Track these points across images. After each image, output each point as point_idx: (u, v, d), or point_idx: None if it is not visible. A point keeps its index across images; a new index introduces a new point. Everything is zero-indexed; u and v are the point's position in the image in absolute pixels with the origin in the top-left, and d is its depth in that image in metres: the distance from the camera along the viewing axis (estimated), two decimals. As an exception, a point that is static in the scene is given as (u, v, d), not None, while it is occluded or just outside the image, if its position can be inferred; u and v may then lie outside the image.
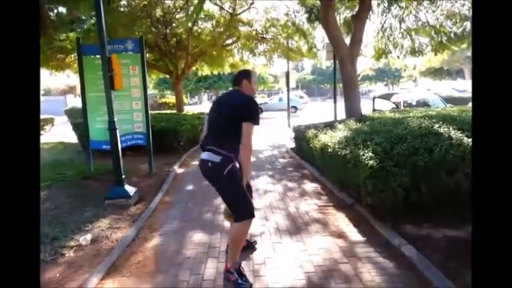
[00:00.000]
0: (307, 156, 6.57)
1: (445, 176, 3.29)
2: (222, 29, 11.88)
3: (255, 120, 2.47)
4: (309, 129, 6.56)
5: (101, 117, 5.79)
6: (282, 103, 24.64)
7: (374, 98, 12.46)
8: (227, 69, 16.23)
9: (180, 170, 6.72)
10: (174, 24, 11.74)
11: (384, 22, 9.03)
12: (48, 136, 14.03)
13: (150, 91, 28.62)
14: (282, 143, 9.89)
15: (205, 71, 16.05)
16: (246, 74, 2.72)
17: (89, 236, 3.38)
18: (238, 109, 2.49)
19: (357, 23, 7.45)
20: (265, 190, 5.10)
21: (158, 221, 3.99)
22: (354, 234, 3.38)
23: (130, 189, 4.65)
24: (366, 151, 3.68)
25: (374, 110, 11.89)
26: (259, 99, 33.52)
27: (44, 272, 2.75)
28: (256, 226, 3.68)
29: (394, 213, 3.47)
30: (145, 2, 9.52)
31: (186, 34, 11.42)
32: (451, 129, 3.75)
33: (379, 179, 3.39)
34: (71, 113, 18.92)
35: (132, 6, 9.64)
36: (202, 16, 12.49)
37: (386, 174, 3.36)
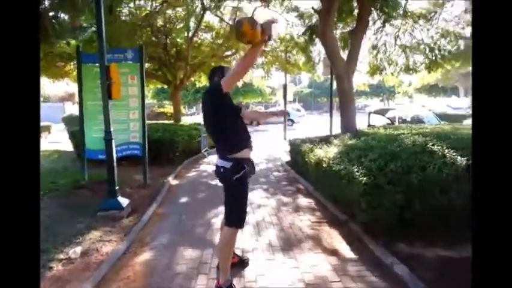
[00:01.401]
0: (302, 171, 6.56)
1: (439, 195, 3.30)
2: (221, 41, 12.01)
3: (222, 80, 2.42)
4: (305, 143, 6.58)
5: (97, 126, 5.78)
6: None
7: (369, 114, 12.54)
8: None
9: (174, 182, 6.69)
10: (174, 34, 11.86)
11: (379, 39, 9.16)
12: (45, 144, 13.94)
13: (148, 101, 28.70)
14: (277, 156, 9.88)
15: (203, 81, 16.15)
16: (219, 70, 2.73)
17: (78, 249, 3.33)
18: (212, 97, 2.51)
19: (354, 39, 7.55)
20: (259, 204, 5.07)
21: (150, 234, 3.95)
22: (347, 252, 3.36)
23: (123, 201, 4.61)
24: (360, 167, 3.68)
25: (369, 125, 11.98)
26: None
27: None
28: (248, 241, 3.66)
29: (387, 231, 3.46)
30: (147, 12, 9.62)
31: (186, 44, 11.52)
32: (444, 147, 3.76)
33: (372, 196, 3.39)
34: (68, 121, 18.88)
35: (133, 16, 9.72)
36: (203, 27, 12.65)
37: (380, 191, 3.36)
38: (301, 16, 9.93)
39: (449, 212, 3.31)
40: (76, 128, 7.84)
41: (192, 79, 15.04)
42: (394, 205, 3.30)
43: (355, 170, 3.70)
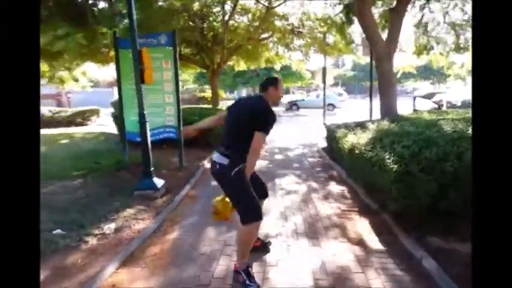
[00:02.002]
0: (337, 157, 6.40)
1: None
2: (257, 23, 11.86)
3: (268, 131, 2.48)
4: (340, 129, 6.39)
5: (135, 109, 5.98)
6: (319, 100, 24.16)
7: (415, 98, 11.93)
8: (263, 64, 16.22)
9: (209, 165, 6.82)
10: (210, 18, 11.90)
11: (424, 16, 8.51)
12: (94, 126, 14.86)
13: (190, 85, 29.34)
14: (314, 141, 9.71)
15: (242, 65, 16.13)
16: (273, 81, 2.71)
17: (112, 225, 3.54)
18: (255, 117, 2.47)
19: (394, 17, 7.10)
20: (289, 190, 5.04)
21: (181, 214, 4.09)
22: (375, 243, 3.25)
23: (158, 182, 4.80)
24: (392, 154, 3.51)
25: (414, 110, 11.37)
26: (297, 95, 33.32)
27: (67, 257, 2.93)
28: (274, 226, 3.66)
29: (419, 222, 3.30)
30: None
31: (222, 28, 11.53)
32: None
33: (404, 184, 3.22)
34: (116, 105, 19.87)
35: (169, 1, 9.86)
36: (239, 10, 12.55)
37: (411, 179, 3.19)
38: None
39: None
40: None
41: (230, 63, 15.06)
42: (427, 194, 3.13)
43: (387, 156, 3.53)
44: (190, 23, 11.32)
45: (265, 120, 2.47)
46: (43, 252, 2.92)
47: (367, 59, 14.26)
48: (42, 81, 17.87)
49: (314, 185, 5.32)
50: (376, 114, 8.33)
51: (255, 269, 2.77)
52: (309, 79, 26.47)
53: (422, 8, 8.17)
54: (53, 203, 4.15)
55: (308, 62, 17.49)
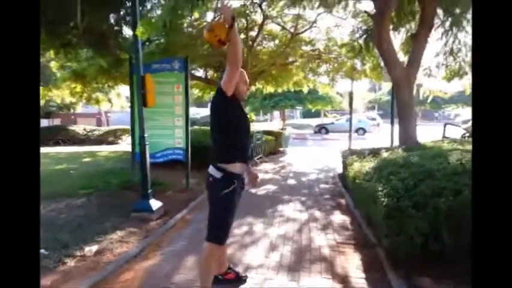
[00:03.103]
0: (347, 185, 6.12)
1: (475, 226, 2.73)
2: (281, 49, 11.96)
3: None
4: (351, 155, 6.13)
5: (149, 131, 6.13)
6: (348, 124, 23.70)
7: (445, 125, 11.31)
8: (291, 87, 16.23)
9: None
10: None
11: (447, 42, 8.13)
12: (123, 145, 15.41)
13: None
14: (333, 167, 9.41)
15: (269, 89, 16.24)
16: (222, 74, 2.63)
17: (94, 248, 3.53)
18: (214, 100, 2.46)
19: (415, 43, 6.83)
20: (287, 218, 4.84)
21: (168, 239, 4.02)
22: (359, 281, 2.98)
23: (154, 204, 4.79)
24: (386, 187, 3.26)
25: (444, 137, 10.75)
26: (329, 119, 32.86)
27: (41, 278, 2.92)
28: (258, 257, 3.49)
29: (411, 261, 2.99)
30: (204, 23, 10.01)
31: (246, 53, 11.73)
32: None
33: (395, 220, 2.97)
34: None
35: (194, 27, 10.21)
36: (265, 35, 12.77)
37: (403, 215, 2.92)
38: (364, 21, 9.35)
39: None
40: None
41: (253, 87, 15.20)
42: (418, 232, 2.84)
43: (380, 189, 3.29)
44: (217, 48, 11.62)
45: (218, 92, 2.41)
46: (18, 271, 2.95)
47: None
48: (82, 102, 19.09)
49: (317, 213, 5.07)
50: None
51: (222, 303, 2.62)
52: (340, 102, 26.06)
53: (446, 33, 7.82)
54: (50, 221, 4.24)
55: (336, 86, 17.31)
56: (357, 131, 24.44)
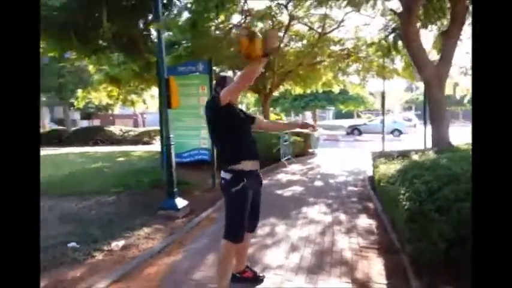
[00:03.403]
0: (376, 188, 5.97)
1: (503, 233, 2.59)
2: (309, 49, 11.87)
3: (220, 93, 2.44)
4: (380, 157, 5.98)
5: (176, 131, 6.35)
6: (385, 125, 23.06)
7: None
8: (320, 88, 16.06)
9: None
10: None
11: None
12: (156, 146, 15.90)
13: (252, 108, 30.13)
14: (364, 169, 9.19)
15: (298, 90, 16.16)
16: (220, 81, 2.69)
17: (121, 243, 3.70)
18: (211, 109, 2.54)
19: (446, 40, 6.55)
20: (311, 220, 4.80)
21: (192, 237, 4.12)
22: (380, 287, 2.91)
23: (180, 202, 4.93)
24: (408, 190, 3.16)
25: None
26: (363, 119, 32.09)
27: (70, 270, 3.12)
28: (277, 257, 3.50)
29: (435, 268, 2.88)
30: (231, 26, 10.14)
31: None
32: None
33: (417, 224, 2.88)
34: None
35: (221, 29, 10.37)
36: (293, 36, 12.73)
37: (425, 219, 2.83)
38: (393, 19, 9.08)
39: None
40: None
41: (282, 87, 15.19)
42: (441, 237, 2.73)
43: (402, 192, 3.20)
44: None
45: (214, 100, 2.48)
46: (51, 263, 3.16)
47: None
48: (119, 104, 19.98)
49: (342, 216, 4.99)
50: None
51: (239, 301, 2.66)
52: (373, 103, 25.42)
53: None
54: (81, 217, 4.50)
55: (367, 86, 16.93)
56: (392, 132, 23.69)
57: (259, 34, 2.16)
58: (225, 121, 2.49)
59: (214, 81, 6.52)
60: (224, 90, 2.40)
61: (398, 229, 3.69)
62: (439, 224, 2.73)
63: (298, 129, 3.80)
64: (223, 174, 2.55)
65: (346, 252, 3.64)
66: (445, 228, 2.72)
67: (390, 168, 4.34)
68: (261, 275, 3.03)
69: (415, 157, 4.96)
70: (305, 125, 3.05)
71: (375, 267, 3.29)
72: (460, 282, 2.75)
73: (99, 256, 3.44)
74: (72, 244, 3.59)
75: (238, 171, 2.48)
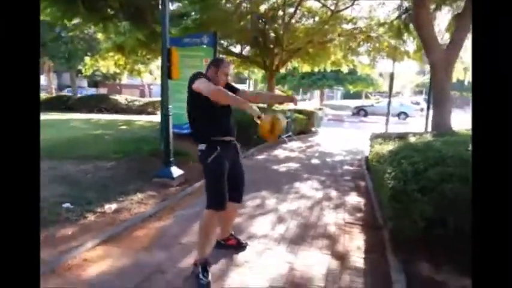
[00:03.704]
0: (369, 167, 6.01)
1: (481, 215, 2.63)
2: (320, 27, 11.63)
3: (200, 79, 2.45)
4: (377, 138, 5.99)
5: (176, 102, 6.38)
6: (391, 108, 22.77)
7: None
8: (328, 67, 15.82)
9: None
10: (277, 22, 11.96)
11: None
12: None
13: (260, 85, 29.94)
14: (362, 150, 9.20)
15: (306, 68, 15.94)
16: (214, 62, 2.70)
17: (113, 206, 3.83)
18: (189, 87, 2.52)
19: (458, 24, 6.38)
20: (302, 195, 4.89)
21: (184, 204, 4.25)
22: (357, 260, 3.01)
23: (175, 171, 5.03)
24: (395, 170, 3.20)
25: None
26: (370, 101, 31.70)
27: (62, 229, 3.25)
28: (264, 228, 3.61)
29: (413, 246, 2.96)
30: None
31: (281, 30, 11.55)
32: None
33: (400, 203, 2.93)
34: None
35: (231, 2, 10.19)
36: (305, 12, 12.45)
37: (408, 199, 2.88)
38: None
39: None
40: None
41: (290, 65, 14.99)
42: (422, 217, 2.79)
43: (389, 171, 3.24)
44: (251, 25, 11.55)
45: (194, 79, 2.46)
46: (45, 221, 3.29)
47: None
48: (127, 73, 19.97)
49: (333, 193, 5.07)
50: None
51: (220, 265, 2.79)
52: (381, 84, 25.02)
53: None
54: (78, 180, 4.63)
55: (377, 67, 16.64)
56: (398, 115, 23.48)
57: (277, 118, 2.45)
58: (203, 100, 2.45)
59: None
60: (206, 90, 2.37)
61: (383, 207, 3.75)
62: (420, 204, 2.79)
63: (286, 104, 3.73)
64: (199, 146, 2.60)
65: (330, 227, 3.74)
66: (426, 208, 2.77)
67: (383, 149, 4.37)
68: (244, 242, 3.15)
69: (412, 139, 4.98)
70: (291, 99, 3.07)
71: (355, 242, 3.39)
72: (435, 260, 2.84)
73: (91, 217, 3.57)
74: (67, 205, 3.72)
75: (212, 141, 2.53)
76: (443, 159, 3.17)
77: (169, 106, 4.96)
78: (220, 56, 12.52)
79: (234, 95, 2.48)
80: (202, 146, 2.57)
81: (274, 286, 2.54)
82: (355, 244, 3.34)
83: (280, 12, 11.70)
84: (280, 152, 8.36)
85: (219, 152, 2.52)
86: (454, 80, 7.75)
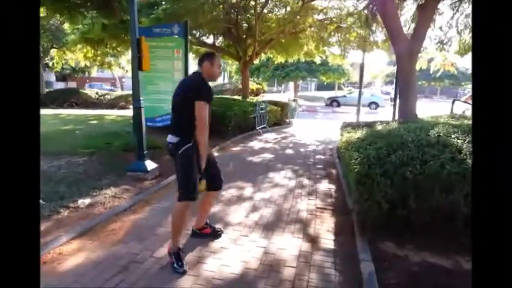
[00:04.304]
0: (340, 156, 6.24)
1: (439, 195, 2.85)
2: (291, 17, 11.73)
3: (207, 99, 2.56)
4: (347, 127, 6.21)
5: (148, 95, 6.32)
6: (362, 98, 23.37)
7: (453, 101, 11.09)
8: (302, 58, 16.01)
9: (215, 154, 6.97)
10: (249, 12, 11.94)
11: (454, 15, 7.83)
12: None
13: (235, 77, 29.83)
14: (335, 139, 9.45)
15: (280, 59, 16.05)
16: (208, 56, 2.76)
17: (87, 201, 3.82)
18: (190, 91, 2.59)
19: (421, 15, 6.64)
20: (276, 184, 5.03)
21: (159, 196, 4.28)
22: (327, 242, 3.18)
23: (149, 165, 5.03)
24: (361, 155, 3.38)
25: (451, 112, 10.61)
26: (343, 92, 32.33)
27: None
28: (238, 216, 3.72)
29: (378, 226, 3.15)
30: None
31: (254, 21, 11.57)
32: (467, 141, 3.20)
33: (365, 186, 3.11)
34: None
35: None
36: (276, 2, 12.49)
37: (371, 182, 3.06)
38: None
39: (451, 216, 2.86)
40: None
41: (266, 55, 15.04)
42: (385, 199, 2.98)
43: (355, 157, 3.41)
44: (225, 15, 11.48)
45: (199, 91, 2.55)
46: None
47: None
48: (97, 66, 19.37)
49: (305, 181, 5.24)
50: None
51: (196, 253, 2.87)
52: (351, 75, 25.58)
53: (454, 7, 7.54)
54: (50, 176, 4.55)
55: (348, 58, 16.98)
56: (369, 105, 24.16)
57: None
58: (198, 94, 2.53)
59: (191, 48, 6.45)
60: (204, 118, 2.55)
61: (351, 192, 3.94)
62: (384, 187, 2.98)
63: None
64: (171, 138, 2.66)
65: (302, 213, 3.89)
66: (389, 190, 2.96)
67: (352, 137, 4.56)
68: (219, 230, 3.24)
69: (378, 127, 5.21)
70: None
71: (326, 226, 3.56)
72: (399, 239, 3.05)
73: (64, 212, 3.55)
74: (39, 201, 3.67)
75: (185, 136, 2.60)
76: (404, 144, 3.38)
77: (141, 98, 4.93)
78: (193, 46, 12.36)
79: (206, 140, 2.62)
80: (173, 139, 2.63)
81: (249, 268, 2.65)
82: (325, 228, 3.51)
83: (252, 2, 11.69)
84: (255, 144, 8.47)
85: (191, 145, 2.58)
86: (417, 69, 8.07)
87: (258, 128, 9.84)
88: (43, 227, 3.20)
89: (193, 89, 2.58)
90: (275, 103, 12.27)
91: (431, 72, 12.98)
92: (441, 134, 3.54)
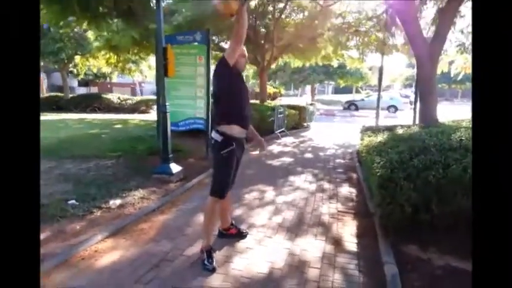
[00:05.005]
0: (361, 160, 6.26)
1: (461, 198, 2.89)
2: (309, 21, 11.82)
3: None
4: (367, 131, 6.24)
5: (172, 100, 6.53)
6: (381, 101, 23.12)
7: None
8: (320, 62, 16.04)
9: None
10: (268, 17, 12.10)
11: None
12: (153, 115, 16.06)
13: (251, 81, 30.08)
14: (354, 143, 9.46)
15: (297, 63, 16.14)
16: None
17: (118, 201, 4.00)
18: (216, 68, 2.72)
19: (442, 18, 6.63)
20: (297, 187, 5.11)
21: (184, 198, 4.43)
22: (350, 244, 3.24)
23: (174, 167, 5.21)
24: (383, 159, 3.44)
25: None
26: (360, 95, 32.09)
27: (70, 224, 3.42)
28: (262, 218, 3.82)
29: (400, 229, 3.20)
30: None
31: (272, 26, 11.72)
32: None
33: (387, 190, 3.17)
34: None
35: None
36: (294, 8, 12.61)
37: (394, 186, 3.12)
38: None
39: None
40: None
41: (281, 60, 15.16)
42: (408, 203, 3.03)
43: (378, 161, 3.47)
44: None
45: (221, 59, 2.66)
46: (52, 217, 3.46)
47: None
48: (118, 72, 19.94)
49: (326, 185, 5.30)
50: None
51: (223, 252, 2.99)
52: (369, 78, 25.37)
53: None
54: (81, 178, 4.78)
55: (367, 61, 16.92)
56: (388, 108, 23.88)
57: None
58: (231, 82, 2.69)
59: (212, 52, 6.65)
60: (226, 52, 2.64)
61: (373, 195, 3.99)
62: (407, 191, 3.03)
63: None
64: (214, 135, 2.78)
65: (324, 216, 3.97)
66: (411, 194, 3.01)
67: (372, 141, 4.61)
68: (244, 231, 3.36)
69: (399, 131, 5.24)
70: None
71: (348, 229, 3.62)
72: (422, 242, 3.09)
73: (97, 212, 3.74)
74: (72, 201, 3.88)
75: (228, 136, 2.72)
76: (426, 148, 3.42)
77: (167, 103, 5.12)
78: (212, 52, 12.58)
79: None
80: (217, 137, 2.74)
81: (274, 268, 2.75)
82: (347, 231, 3.57)
83: (270, 8, 11.84)
84: (274, 147, 8.57)
85: (233, 148, 2.73)
86: (438, 72, 8.02)
87: (276, 131, 9.94)
88: (78, 226, 3.39)
89: (216, 67, 2.70)
90: (293, 107, 12.35)
91: (452, 75, 12.78)
92: (463, 138, 3.56)
